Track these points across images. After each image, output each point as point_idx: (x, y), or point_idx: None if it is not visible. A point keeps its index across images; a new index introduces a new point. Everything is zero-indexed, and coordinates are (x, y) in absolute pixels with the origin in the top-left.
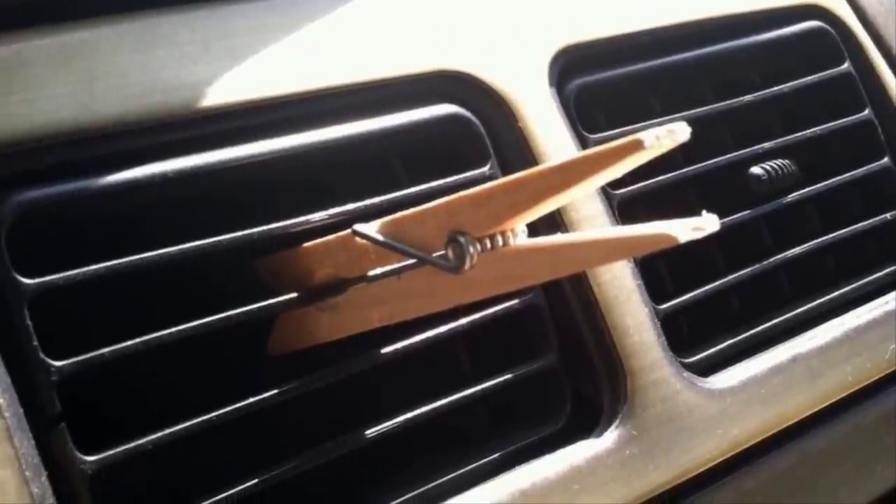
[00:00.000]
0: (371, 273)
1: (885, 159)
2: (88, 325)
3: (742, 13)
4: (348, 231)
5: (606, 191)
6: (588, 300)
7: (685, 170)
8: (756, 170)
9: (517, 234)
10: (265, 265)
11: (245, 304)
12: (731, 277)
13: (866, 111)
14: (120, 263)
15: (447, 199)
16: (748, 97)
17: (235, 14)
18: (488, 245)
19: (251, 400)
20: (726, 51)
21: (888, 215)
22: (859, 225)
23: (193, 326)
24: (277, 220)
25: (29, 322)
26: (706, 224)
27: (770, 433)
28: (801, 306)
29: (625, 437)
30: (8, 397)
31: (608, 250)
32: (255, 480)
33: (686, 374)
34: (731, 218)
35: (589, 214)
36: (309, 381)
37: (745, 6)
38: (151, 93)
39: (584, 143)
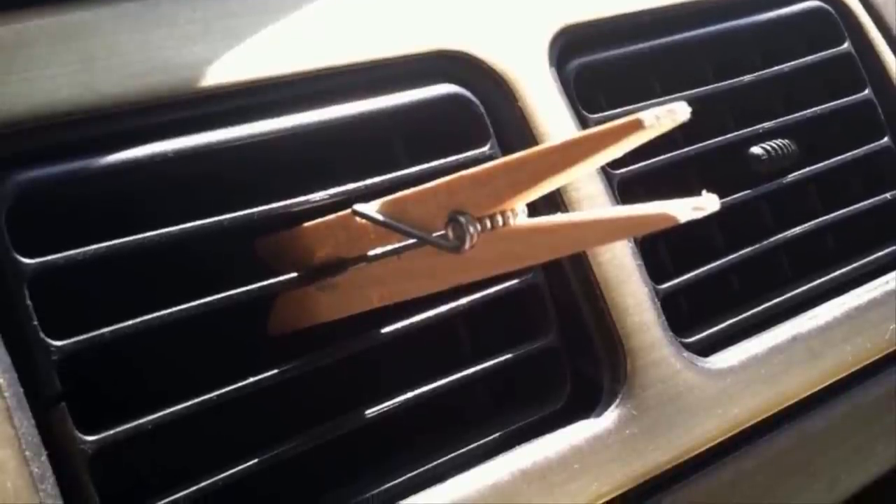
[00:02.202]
0: (371, 253)
1: (885, 139)
2: (88, 305)
3: None
4: (348, 211)
5: (606, 171)
6: (588, 280)
7: (685, 150)
8: (756, 149)
9: (517, 213)
10: (265, 245)
11: (245, 284)
12: (731, 257)
13: (866, 91)
14: (120, 243)
15: (447, 179)
16: (748, 77)
17: None
18: (488, 225)
19: (251, 380)
20: (727, 31)
21: (888, 195)
22: (859, 205)
23: (193, 306)
24: (277, 199)
25: (29, 302)
26: (706, 204)
27: (770, 413)
28: (801, 286)
29: (625, 417)
30: (8, 377)
31: (608, 230)
32: (256, 460)
33: (686, 353)
34: (731, 198)
35: (589, 194)
36: (309, 361)
37: None
38: (152, 72)
39: (584, 123)
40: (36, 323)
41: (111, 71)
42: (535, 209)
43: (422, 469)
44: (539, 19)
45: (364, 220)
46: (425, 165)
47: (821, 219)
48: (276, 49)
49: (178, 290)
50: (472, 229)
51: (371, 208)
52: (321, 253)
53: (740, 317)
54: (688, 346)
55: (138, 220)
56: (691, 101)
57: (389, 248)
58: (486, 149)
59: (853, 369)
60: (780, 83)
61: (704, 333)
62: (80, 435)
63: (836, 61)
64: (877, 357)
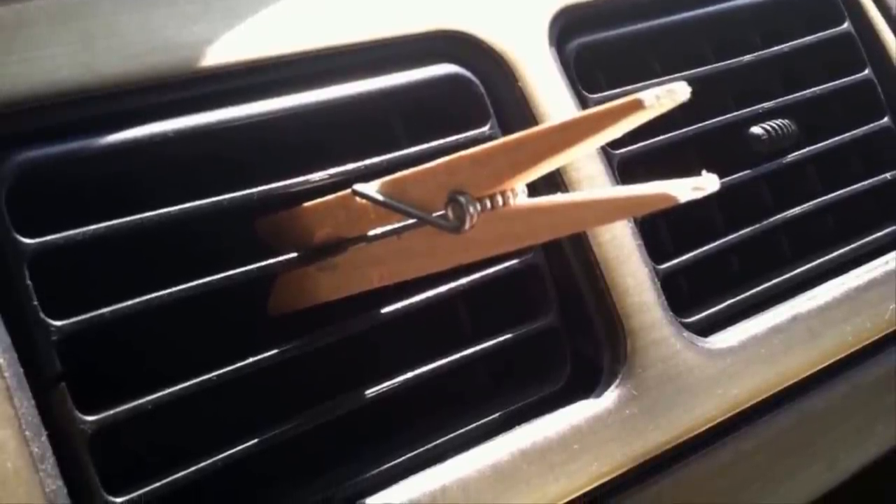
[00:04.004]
0: (371, 233)
1: (885, 119)
2: (89, 285)
3: None
4: (348, 191)
5: (606, 151)
6: (588, 260)
7: (685, 130)
8: (756, 129)
9: (517, 193)
10: (265, 225)
11: (245, 265)
12: (730, 237)
13: (866, 71)
14: (120, 223)
15: (447, 159)
16: (748, 57)
17: None
18: (488, 205)
19: (250, 360)
20: (727, 10)
21: (888, 175)
22: (859, 185)
23: (193, 286)
24: (277, 179)
25: (29, 282)
26: (706, 184)
27: (770, 393)
28: (800, 266)
29: (625, 397)
30: (8, 357)
31: (608, 210)
32: (255, 440)
33: (686, 333)
34: (730, 178)
35: (589, 174)
36: (308, 342)
37: None
38: (152, 52)
39: (584, 103)
40: (36, 303)
41: (111, 51)
42: (534, 189)
43: (422, 449)
44: None
45: (364, 200)
46: (425, 145)
47: (820, 199)
48: (276, 29)
49: (178, 271)
50: (471, 209)
51: (371, 188)
52: (321, 233)
53: (740, 297)
54: (688, 326)
55: (138, 200)
56: (691, 81)
57: (389, 228)
58: (485, 129)
59: (853, 349)
60: (780, 63)
61: (704, 313)
62: (80, 415)
63: (835, 41)
64: (876, 337)
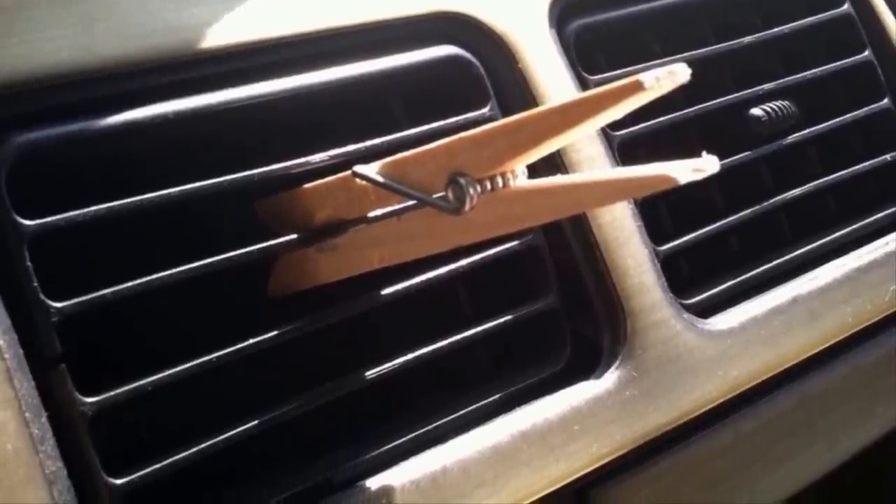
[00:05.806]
0: (371, 214)
1: (885, 100)
2: (89, 267)
3: None
4: (348, 172)
5: (607, 132)
6: (588, 241)
7: (685, 111)
8: (756, 111)
9: (517, 175)
10: (265, 206)
11: (245, 246)
12: (731, 219)
13: (866, 52)
14: (120, 205)
15: (447, 141)
16: (748, 38)
17: None
18: (488, 186)
19: (251, 341)
20: None
21: (888, 156)
22: (859, 166)
23: (194, 268)
24: (278, 161)
25: (29, 263)
26: (706, 165)
27: (770, 374)
28: (801, 248)
29: (625, 379)
30: (8, 339)
31: (608, 191)
32: (255, 421)
33: (686, 315)
34: (731, 159)
35: (589, 156)
36: (309, 323)
37: None
38: (152, 34)
39: (584, 85)
40: (36, 284)
41: (111, 32)
42: (535, 171)
43: (422, 430)
44: None
45: (364, 182)
46: (425, 127)
47: (821, 180)
48: (276, 10)
49: (179, 252)
50: (471, 191)
51: (371, 170)
52: (321, 214)
53: (740, 278)
54: (688, 308)
55: (139, 181)
56: (691, 63)
57: (389, 209)
58: (485, 110)
59: (853, 331)
60: (781, 44)
61: (704, 295)
62: (80, 396)
63: (836, 22)
64: (877, 318)
